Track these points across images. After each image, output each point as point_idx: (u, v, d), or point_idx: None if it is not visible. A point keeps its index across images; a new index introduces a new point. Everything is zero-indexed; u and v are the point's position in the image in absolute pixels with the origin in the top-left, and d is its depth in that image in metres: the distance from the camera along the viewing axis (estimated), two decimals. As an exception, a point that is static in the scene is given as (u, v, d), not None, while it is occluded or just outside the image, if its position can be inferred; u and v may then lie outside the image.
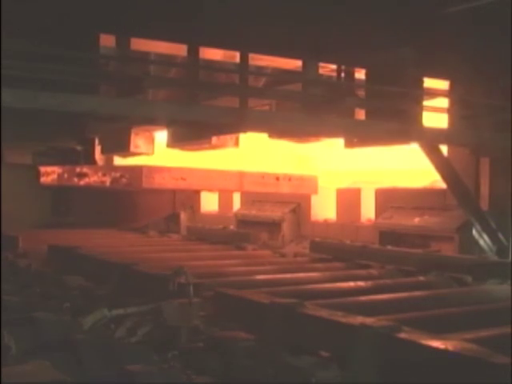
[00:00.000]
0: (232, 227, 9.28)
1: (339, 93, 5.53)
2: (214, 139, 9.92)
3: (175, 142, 11.48)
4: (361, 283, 5.22)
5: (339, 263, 6.43)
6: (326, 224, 8.81)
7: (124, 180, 6.51)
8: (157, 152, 10.52)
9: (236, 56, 5.55)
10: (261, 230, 8.81)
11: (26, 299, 4.60)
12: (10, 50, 4.37)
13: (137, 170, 6.27)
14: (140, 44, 5.39)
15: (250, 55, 5.53)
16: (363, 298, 4.42)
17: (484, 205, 6.98)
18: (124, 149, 12.62)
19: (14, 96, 4.37)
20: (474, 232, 6.80)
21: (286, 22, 5.41)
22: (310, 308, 3.41)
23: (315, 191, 6.68)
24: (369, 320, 3.09)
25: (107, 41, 5.18)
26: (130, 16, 4.96)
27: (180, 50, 5.55)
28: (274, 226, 9.11)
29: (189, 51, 5.43)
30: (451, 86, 6.84)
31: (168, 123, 5.76)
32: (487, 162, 7.13)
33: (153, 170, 6.21)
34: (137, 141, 12.79)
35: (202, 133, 9.49)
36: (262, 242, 7.85)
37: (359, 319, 3.10)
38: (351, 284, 5.17)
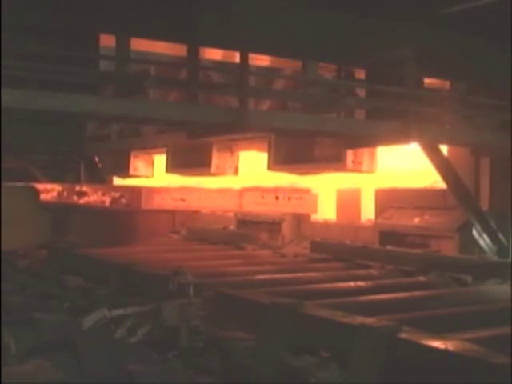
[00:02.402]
0: (232, 227, 9.28)
1: (339, 93, 5.53)
2: (214, 167, 10.09)
3: (174, 167, 11.63)
4: (361, 283, 5.22)
5: (339, 263, 6.43)
6: (326, 224, 8.81)
7: (123, 200, 6.55)
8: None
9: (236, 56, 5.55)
10: (261, 229, 8.82)
11: (25, 299, 4.60)
12: (10, 50, 4.37)
13: (136, 191, 6.32)
14: (140, 44, 5.39)
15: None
16: (363, 298, 4.42)
17: (484, 205, 6.98)
18: (123, 171, 12.74)
19: (14, 96, 4.37)
20: (474, 232, 6.80)
21: (286, 22, 5.42)
22: (310, 308, 3.41)
23: (315, 210, 6.75)
24: (369, 320, 3.09)
25: (107, 41, 5.18)
26: (130, 16, 4.96)
27: (180, 50, 5.54)
28: (273, 225, 9.11)
29: (189, 51, 5.43)
30: (451, 86, 6.84)
31: (168, 123, 5.76)
32: (487, 162, 7.13)
33: (152, 190, 6.26)
34: (136, 163, 12.95)
35: (200, 156, 9.64)
36: (262, 242, 7.85)
37: (359, 319, 3.10)
38: (351, 284, 5.17)
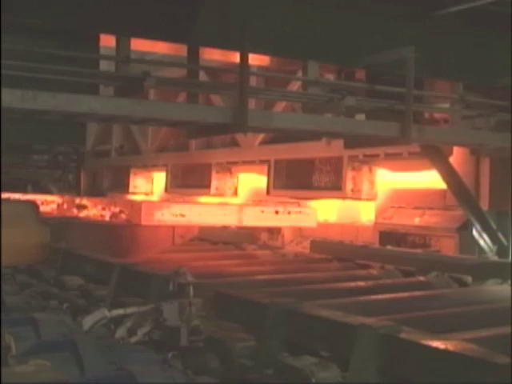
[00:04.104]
0: (232, 227, 9.28)
1: (339, 93, 5.52)
2: (213, 189, 10.23)
3: (173, 187, 11.76)
4: (361, 283, 5.23)
5: (339, 263, 6.44)
6: (326, 224, 8.81)
7: (123, 216, 6.59)
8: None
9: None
10: (261, 229, 8.83)
11: (25, 299, 4.60)
12: (10, 50, 4.37)
13: (136, 207, 6.35)
14: (140, 44, 5.38)
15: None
16: (363, 298, 4.42)
17: (484, 205, 6.98)
18: (123, 188, 12.87)
19: (14, 96, 4.37)
20: (474, 232, 6.80)
21: (286, 22, 5.42)
22: (310, 308, 3.42)
23: (314, 224, 6.84)
24: (369, 320, 3.09)
25: (107, 41, 5.17)
26: (130, 16, 4.96)
27: (180, 50, 5.54)
28: (274, 226, 9.13)
29: (189, 51, 5.42)
30: (451, 86, 6.84)
31: (168, 124, 5.75)
32: (487, 162, 7.14)
33: (152, 206, 6.28)
34: (136, 181, 13.15)
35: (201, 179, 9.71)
36: (262, 242, 7.86)
37: (359, 319, 3.10)
38: (351, 284, 5.18)
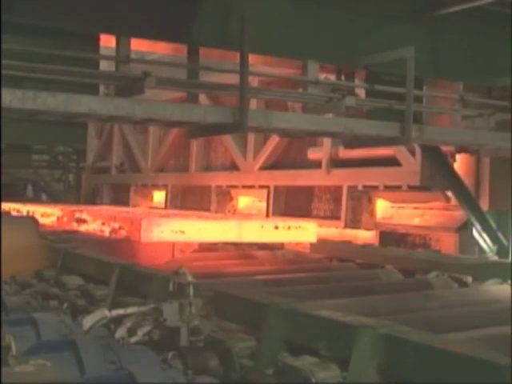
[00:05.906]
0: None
1: (339, 93, 5.53)
2: (212, 211, 10.27)
3: (173, 208, 11.79)
4: (361, 283, 5.23)
5: (339, 263, 6.44)
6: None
7: (123, 232, 6.65)
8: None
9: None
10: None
11: (25, 299, 4.60)
12: (10, 50, 4.37)
13: (136, 223, 6.39)
14: (141, 44, 5.38)
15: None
16: (363, 298, 4.42)
17: (484, 205, 6.99)
18: (123, 205, 12.96)
19: (14, 96, 4.37)
20: (474, 232, 6.80)
21: (286, 22, 5.42)
22: (310, 308, 3.41)
23: (314, 239, 6.90)
24: (369, 320, 3.09)
25: (107, 41, 5.17)
26: (130, 16, 4.96)
27: (180, 50, 5.54)
28: (273, 225, 9.16)
29: (189, 51, 5.42)
30: (451, 86, 6.85)
31: (168, 124, 5.75)
32: (487, 162, 7.14)
33: (152, 223, 6.32)
34: (136, 199, 13.22)
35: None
36: (262, 242, 7.85)
37: (359, 319, 3.10)
38: (351, 284, 5.17)
